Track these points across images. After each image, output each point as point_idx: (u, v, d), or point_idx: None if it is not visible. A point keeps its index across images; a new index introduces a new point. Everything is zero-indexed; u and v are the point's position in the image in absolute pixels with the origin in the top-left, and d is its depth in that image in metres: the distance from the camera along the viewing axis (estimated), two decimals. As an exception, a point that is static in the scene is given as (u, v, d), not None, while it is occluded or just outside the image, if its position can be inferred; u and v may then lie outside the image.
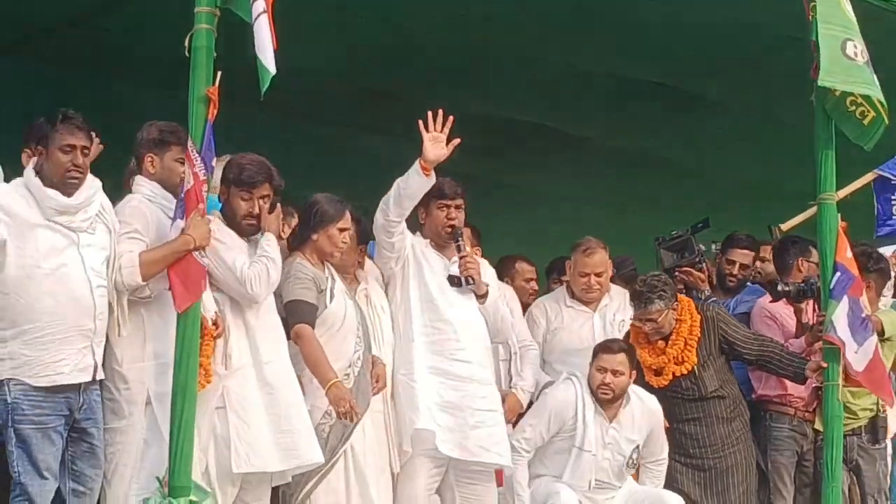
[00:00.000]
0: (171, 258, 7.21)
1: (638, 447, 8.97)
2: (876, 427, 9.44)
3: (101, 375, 7.21)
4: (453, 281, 8.61)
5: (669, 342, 9.30)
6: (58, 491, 7.08)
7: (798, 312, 9.63)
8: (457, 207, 8.65)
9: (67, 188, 7.16)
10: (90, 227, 7.27)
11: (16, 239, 7.03)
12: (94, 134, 7.36)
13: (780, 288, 9.60)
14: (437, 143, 8.17)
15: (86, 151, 7.21)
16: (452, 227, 8.63)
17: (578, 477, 8.82)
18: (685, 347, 9.26)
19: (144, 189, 7.59)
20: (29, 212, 7.12)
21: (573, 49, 10.38)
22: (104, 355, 7.38)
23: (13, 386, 6.92)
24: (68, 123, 7.15)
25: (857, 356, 8.88)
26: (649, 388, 9.34)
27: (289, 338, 7.92)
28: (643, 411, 9.02)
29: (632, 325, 9.42)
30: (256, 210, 7.81)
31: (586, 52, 10.43)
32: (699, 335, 9.32)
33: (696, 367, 9.27)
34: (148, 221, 7.40)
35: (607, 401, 8.84)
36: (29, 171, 7.26)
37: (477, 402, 8.52)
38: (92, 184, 7.33)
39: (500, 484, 9.09)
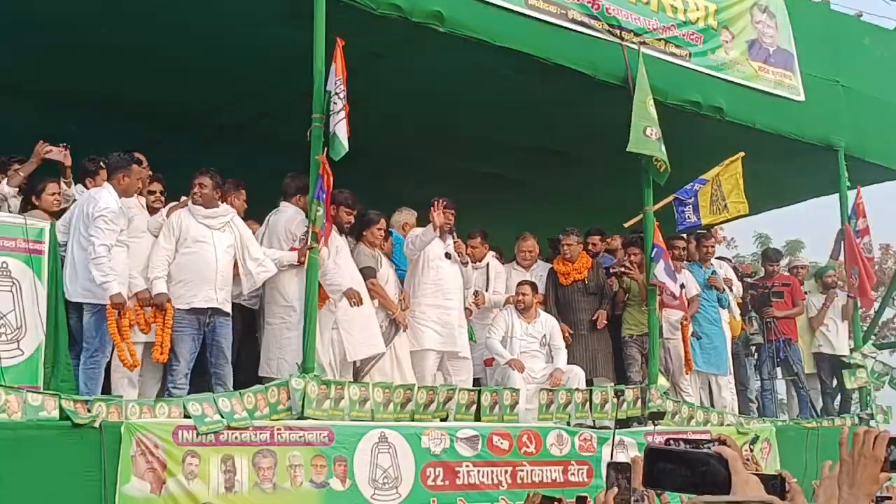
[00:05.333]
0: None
1: (545, 335, 8.96)
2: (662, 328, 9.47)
3: (226, 309, 7.32)
4: (447, 255, 8.59)
5: (574, 262, 9.53)
6: (205, 377, 7.28)
7: (619, 283, 9.70)
8: (452, 214, 8.60)
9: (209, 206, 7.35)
10: (223, 227, 7.37)
11: (181, 235, 7.22)
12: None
13: (610, 270, 9.79)
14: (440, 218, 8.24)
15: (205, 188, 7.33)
16: (451, 226, 8.67)
17: (517, 352, 8.77)
18: (581, 268, 9.52)
19: None
20: (189, 219, 7.30)
21: (511, 131, 10.24)
22: (276, 293, 7.60)
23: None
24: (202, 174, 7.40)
25: (675, 289, 9.10)
26: (560, 285, 9.59)
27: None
28: (547, 320, 9.10)
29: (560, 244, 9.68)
30: None
31: (522, 135, 10.40)
32: (590, 266, 9.55)
33: (585, 278, 9.47)
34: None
35: (527, 301, 8.94)
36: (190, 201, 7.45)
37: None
38: (225, 207, 7.50)
39: (488, 365, 9.21)
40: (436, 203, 8.34)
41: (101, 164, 7.45)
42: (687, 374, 9.74)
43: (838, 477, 2.39)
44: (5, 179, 7.24)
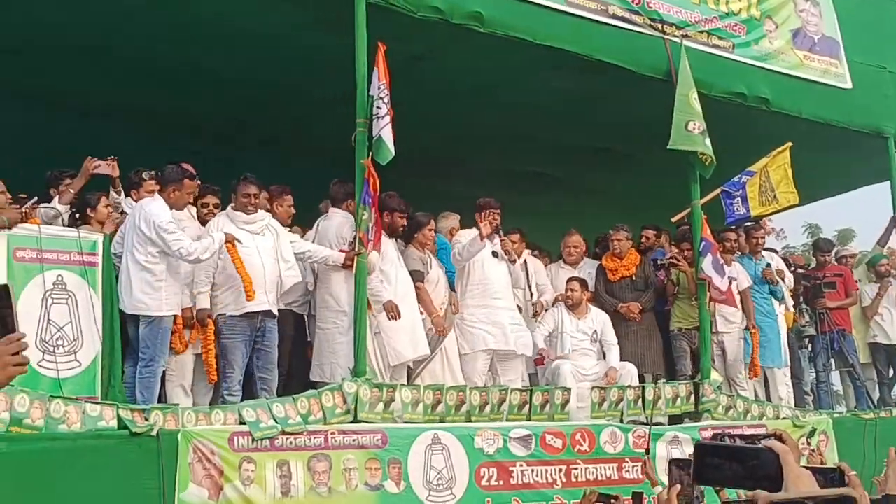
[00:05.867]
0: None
1: (596, 332, 8.90)
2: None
3: (275, 311, 7.34)
4: (494, 254, 8.54)
5: (623, 259, 9.46)
6: (249, 380, 7.25)
7: (667, 276, 9.65)
8: (497, 214, 8.46)
9: (248, 213, 7.37)
10: (262, 231, 7.39)
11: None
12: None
13: (659, 262, 9.69)
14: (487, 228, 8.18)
15: (258, 198, 7.42)
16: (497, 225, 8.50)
17: (567, 349, 8.79)
18: (629, 264, 9.43)
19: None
20: (229, 225, 7.31)
21: (555, 129, 10.30)
22: (328, 298, 7.60)
23: (218, 317, 7.15)
24: (246, 181, 7.43)
25: (721, 284, 8.99)
26: (608, 282, 9.51)
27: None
28: (598, 315, 9.02)
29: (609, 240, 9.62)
30: None
31: (565, 133, 10.41)
32: (638, 263, 9.46)
33: (633, 275, 9.39)
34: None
35: (576, 297, 8.92)
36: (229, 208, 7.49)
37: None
38: (262, 212, 7.49)
39: (540, 364, 9.11)
40: (482, 213, 8.34)
41: (144, 176, 7.56)
42: (752, 378, 9.68)
43: None
44: (57, 196, 7.34)
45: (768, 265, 10.35)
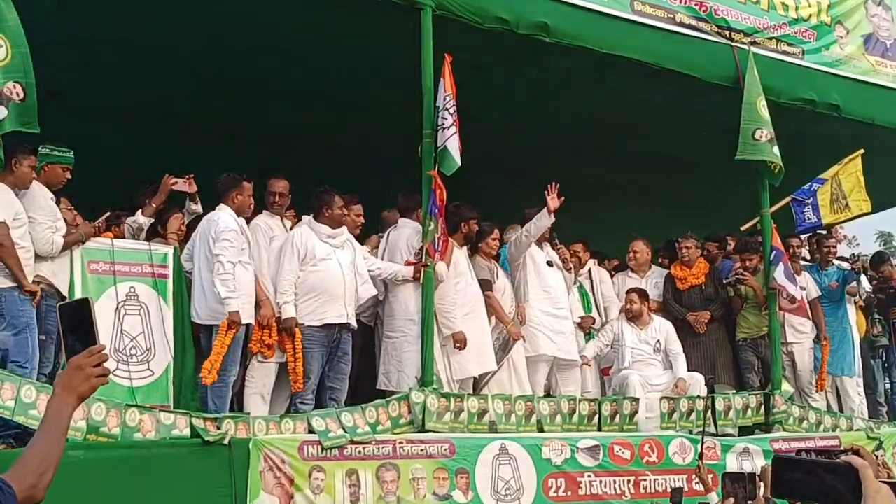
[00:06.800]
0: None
1: (659, 341, 8.73)
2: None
3: (353, 324, 7.36)
4: (549, 263, 8.54)
5: (692, 268, 9.35)
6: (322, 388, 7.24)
7: (735, 292, 9.46)
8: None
9: (334, 226, 7.38)
10: (342, 245, 7.40)
11: (307, 254, 7.20)
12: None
13: (724, 281, 9.48)
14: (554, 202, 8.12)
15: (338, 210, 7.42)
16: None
17: (628, 361, 8.66)
18: (699, 273, 9.32)
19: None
20: (313, 237, 7.31)
21: (622, 137, 10.13)
22: (397, 307, 7.58)
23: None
24: (337, 196, 7.44)
25: (795, 292, 8.91)
26: (677, 290, 9.37)
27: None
28: (661, 325, 8.86)
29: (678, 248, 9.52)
30: None
31: (633, 141, 10.25)
32: (707, 272, 9.35)
33: (703, 284, 9.27)
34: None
35: (635, 309, 8.78)
36: (309, 218, 7.49)
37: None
38: (343, 230, 7.47)
39: (606, 374, 9.07)
40: (550, 187, 8.23)
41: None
42: (818, 391, 9.55)
43: None
44: (140, 210, 7.44)
45: (855, 258, 10.33)
